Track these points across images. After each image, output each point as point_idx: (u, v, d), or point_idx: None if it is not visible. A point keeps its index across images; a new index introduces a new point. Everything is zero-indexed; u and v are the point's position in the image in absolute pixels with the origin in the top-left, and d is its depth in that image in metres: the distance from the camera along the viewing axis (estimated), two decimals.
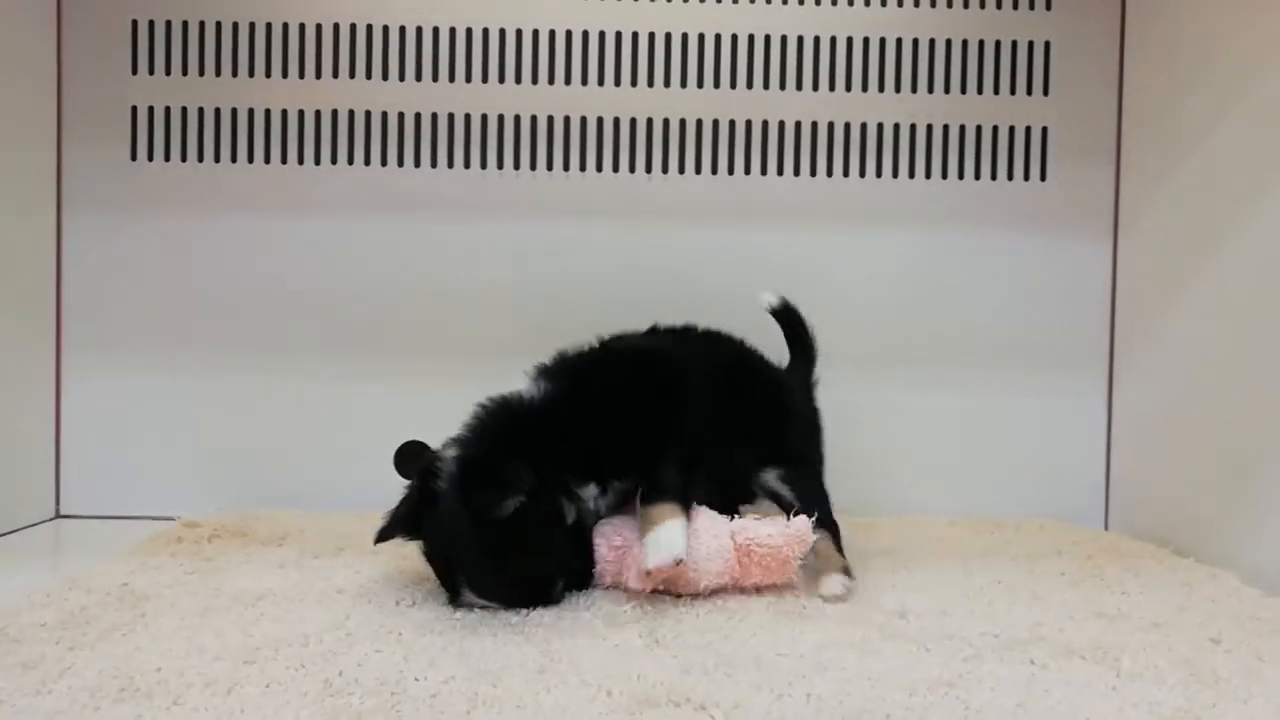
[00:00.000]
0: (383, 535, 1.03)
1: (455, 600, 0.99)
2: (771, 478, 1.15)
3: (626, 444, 1.04)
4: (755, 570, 1.02)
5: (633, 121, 1.50)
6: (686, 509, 1.02)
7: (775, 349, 1.30)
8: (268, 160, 1.49)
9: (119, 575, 1.07)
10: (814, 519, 1.05)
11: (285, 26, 1.48)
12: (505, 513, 0.93)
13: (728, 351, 1.23)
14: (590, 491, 1.03)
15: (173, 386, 1.49)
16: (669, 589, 1.02)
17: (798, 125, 1.51)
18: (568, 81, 1.50)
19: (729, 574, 1.02)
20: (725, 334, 1.25)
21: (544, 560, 0.99)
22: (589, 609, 0.98)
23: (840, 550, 1.11)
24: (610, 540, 1.03)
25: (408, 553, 1.20)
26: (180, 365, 1.49)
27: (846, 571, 1.07)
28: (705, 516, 1.04)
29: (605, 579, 1.04)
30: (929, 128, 1.50)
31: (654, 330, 1.24)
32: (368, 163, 1.50)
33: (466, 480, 0.96)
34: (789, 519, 1.03)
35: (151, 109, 1.48)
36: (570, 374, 1.10)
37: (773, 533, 1.02)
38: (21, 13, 1.40)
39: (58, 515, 1.48)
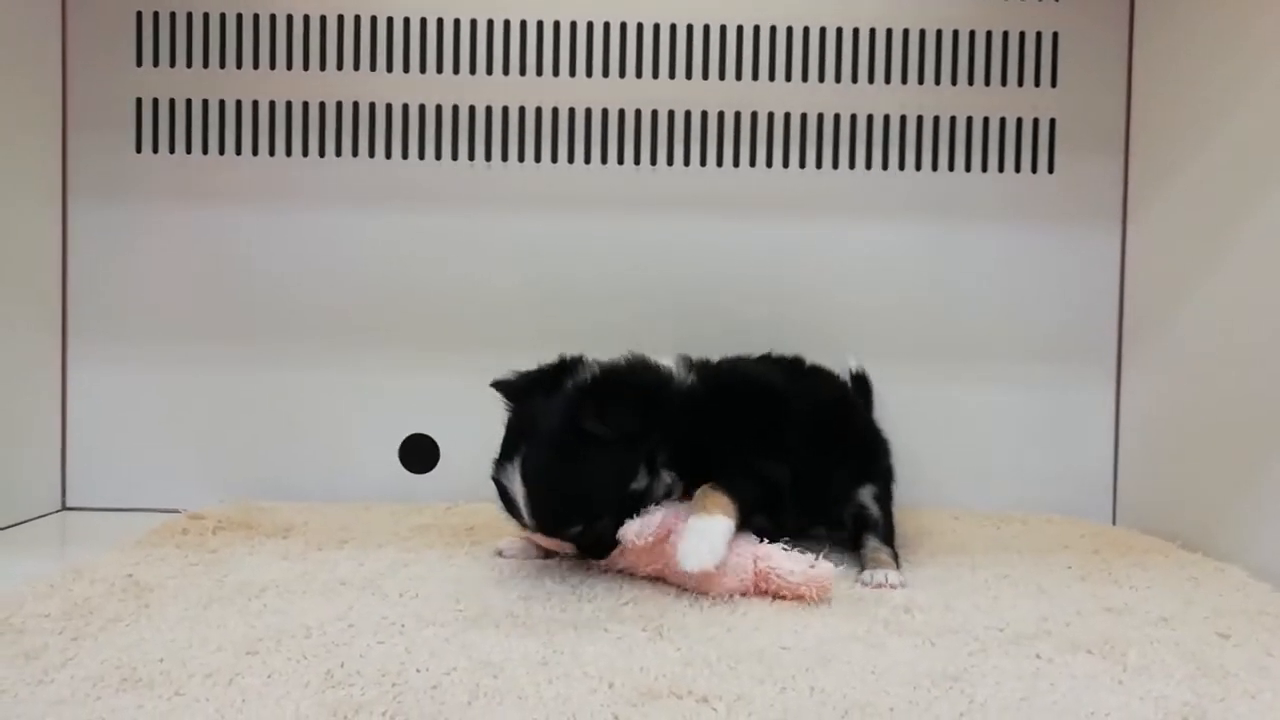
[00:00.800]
0: (498, 384, 1.10)
1: (497, 473, 1.04)
2: (867, 495, 1.22)
3: (725, 454, 1.07)
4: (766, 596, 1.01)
5: (638, 113, 1.49)
6: (742, 515, 1.01)
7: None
8: (272, 152, 1.49)
9: (123, 566, 1.07)
10: (881, 537, 1.17)
11: (289, 18, 1.48)
12: (594, 434, 0.99)
13: (828, 385, 1.32)
14: (667, 479, 1.06)
15: (178, 379, 1.49)
16: (674, 582, 1.02)
17: (803, 117, 1.50)
18: (572, 73, 1.49)
19: (739, 590, 1.00)
20: (824, 368, 1.33)
21: (586, 495, 1.02)
22: (591, 601, 0.98)
23: (898, 565, 1.13)
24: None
25: (412, 545, 1.21)
26: (186, 358, 1.49)
27: (899, 572, 1.10)
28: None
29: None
30: (936, 119, 1.49)
31: (767, 358, 1.29)
32: (372, 155, 1.49)
33: (592, 391, 1.03)
34: (816, 559, 1.00)
35: (156, 101, 1.48)
36: (710, 379, 1.14)
37: (794, 569, 0.99)
38: (27, 5, 1.40)
39: (63, 507, 1.48)
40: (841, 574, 1.10)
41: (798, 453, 1.13)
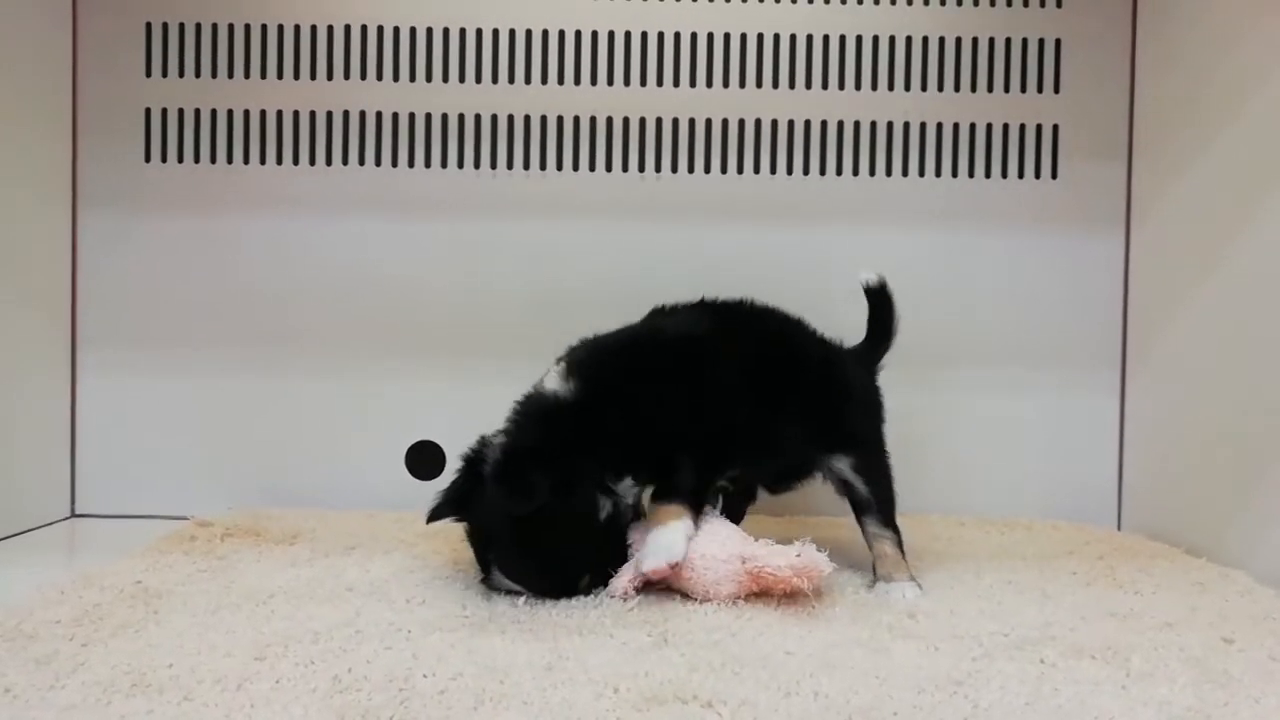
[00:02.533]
0: (433, 515, 1.06)
1: (486, 580, 1.05)
2: (844, 466, 1.13)
3: (654, 438, 1.04)
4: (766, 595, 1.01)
5: (642, 121, 1.50)
6: (695, 511, 1.03)
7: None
8: (279, 161, 1.50)
9: (133, 573, 1.08)
10: (881, 518, 1.11)
11: (297, 29, 1.49)
12: (529, 515, 0.97)
13: (775, 327, 1.20)
14: (627, 485, 1.04)
15: (186, 386, 1.50)
16: (681, 591, 1.03)
17: (806, 124, 1.50)
18: (576, 81, 1.50)
19: (739, 593, 1.00)
20: (776, 309, 1.22)
21: (570, 556, 1.02)
22: (597, 607, 0.98)
23: (903, 554, 1.11)
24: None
25: (418, 552, 1.21)
26: (194, 365, 1.50)
27: (914, 580, 1.08)
28: (715, 536, 1.03)
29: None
30: (939, 126, 1.50)
31: (701, 304, 1.21)
32: (378, 163, 1.50)
33: (500, 478, 1.00)
34: (801, 547, 0.99)
35: (165, 110, 1.49)
36: (599, 365, 1.10)
37: (782, 564, 0.98)
38: (39, 15, 1.42)
39: (73, 514, 1.49)
40: (847, 578, 1.10)
41: (732, 405, 1.08)
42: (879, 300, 1.28)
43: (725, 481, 1.15)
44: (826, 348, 1.21)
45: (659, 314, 1.21)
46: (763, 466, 1.18)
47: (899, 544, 1.12)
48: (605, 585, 1.03)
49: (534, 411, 1.07)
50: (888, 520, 1.13)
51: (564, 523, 1.00)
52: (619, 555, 1.04)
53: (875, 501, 1.13)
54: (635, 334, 1.17)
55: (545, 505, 0.97)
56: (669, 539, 1.00)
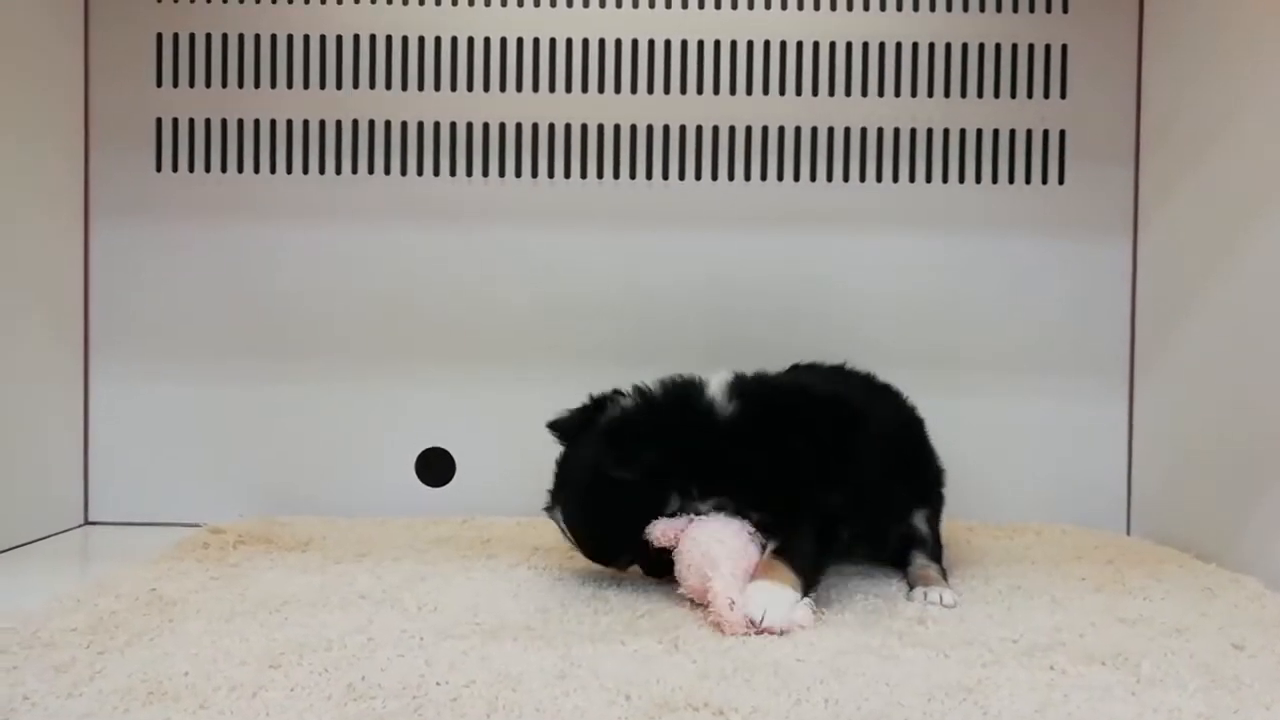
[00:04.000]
0: (552, 426, 1.14)
1: (549, 509, 1.11)
2: (919, 517, 1.20)
3: (788, 493, 1.05)
4: None
5: (649, 129, 1.51)
6: (807, 587, 1.00)
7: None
8: (290, 170, 1.51)
9: (147, 580, 1.09)
10: (932, 555, 1.16)
11: (306, 38, 1.50)
12: (616, 478, 1.04)
13: (899, 403, 1.26)
14: (708, 507, 1.06)
15: (198, 394, 1.51)
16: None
17: (814, 131, 1.51)
18: (584, 89, 1.51)
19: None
20: (893, 386, 1.28)
21: (618, 531, 1.08)
22: (608, 614, 0.99)
23: (946, 580, 1.13)
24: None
25: (430, 559, 1.22)
26: (205, 373, 1.51)
27: (951, 589, 1.09)
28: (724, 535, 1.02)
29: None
30: (946, 131, 1.50)
31: (840, 370, 1.27)
32: (388, 172, 1.51)
33: (612, 433, 1.07)
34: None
35: (176, 120, 1.51)
36: (758, 401, 1.10)
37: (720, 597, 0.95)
38: (51, 27, 1.43)
39: (86, 522, 1.50)
40: (856, 584, 1.11)
41: (867, 475, 1.10)
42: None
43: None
44: (911, 410, 1.28)
45: (808, 370, 1.26)
46: (870, 532, 1.18)
47: (944, 574, 1.14)
48: (659, 575, 1.08)
49: (681, 398, 1.10)
50: (937, 558, 1.17)
51: (635, 502, 1.05)
52: (667, 556, 1.05)
53: (932, 544, 1.18)
54: (807, 386, 1.19)
55: (631, 479, 1.03)
56: (778, 598, 0.95)
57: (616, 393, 1.13)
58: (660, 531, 1.05)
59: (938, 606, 1.03)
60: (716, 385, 1.11)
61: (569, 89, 1.51)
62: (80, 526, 1.49)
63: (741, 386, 1.10)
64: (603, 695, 0.77)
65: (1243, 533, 1.23)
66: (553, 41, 1.50)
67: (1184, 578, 1.17)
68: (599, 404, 1.13)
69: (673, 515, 1.05)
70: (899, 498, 1.19)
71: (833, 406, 1.14)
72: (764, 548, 1.02)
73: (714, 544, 1.01)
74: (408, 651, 0.86)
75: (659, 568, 1.08)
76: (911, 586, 1.10)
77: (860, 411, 1.15)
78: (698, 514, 1.05)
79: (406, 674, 0.81)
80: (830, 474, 1.08)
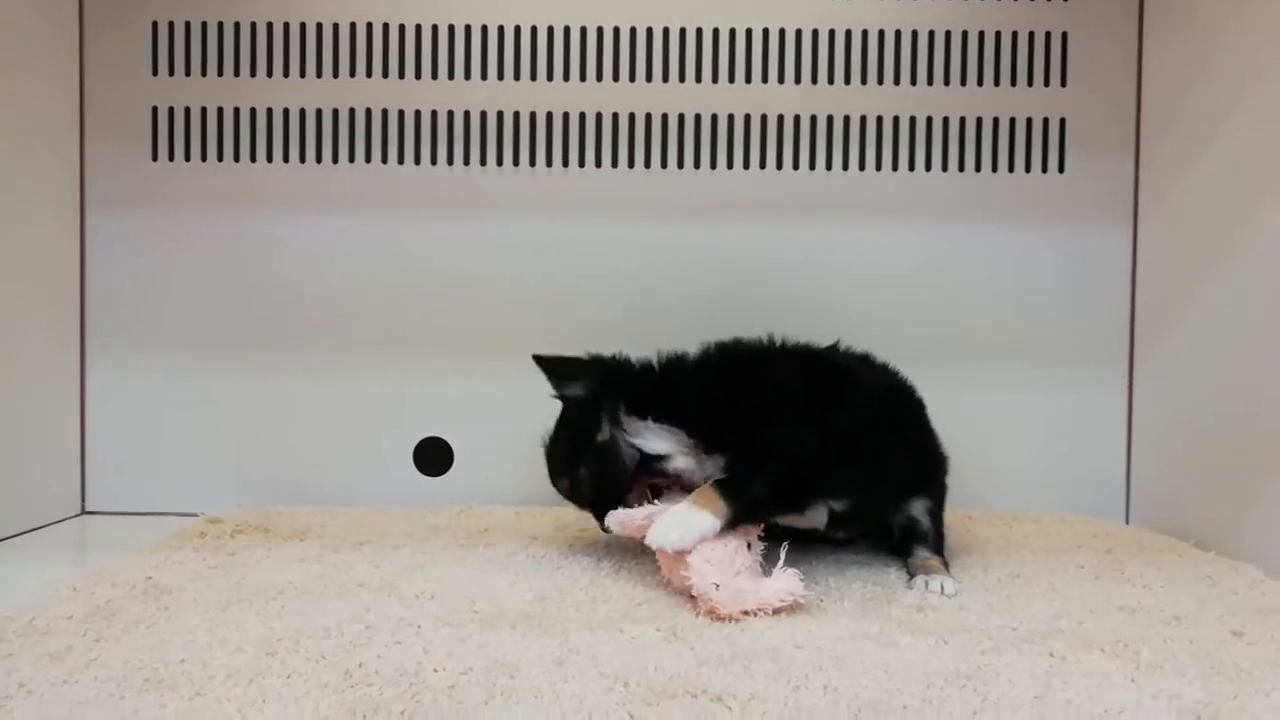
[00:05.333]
0: (537, 358, 1.21)
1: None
2: (919, 508, 1.18)
3: (747, 425, 1.06)
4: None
5: (648, 117, 1.50)
6: (739, 519, 0.99)
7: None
8: (286, 159, 1.50)
9: (144, 569, 1.08)
10: (934, 548, 1.15)
11: (303, 26, 1.49)
12: (565, 398, 1.17)
13: (898, 382, 1.25)
14: (645, 426, 1.10)
15: (194, 384, 1.51)
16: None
17: (812, 119, 1.50)
18: (582, 78, 1.50)
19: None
20: (895, 369, 1.27)
21: (558, 450, 1.17)
22: (606, 602, 0.98)
23: (947, 568, 1.13)
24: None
25: (427, 548, 1.22)
26: (202, 363, 1.51)
27: (952, 577, 1.09)
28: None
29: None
30: (945, 120, 1.50)
31: (834, 348, 1.26)
32: (384, 161, 1.51)
33: (555, 365, 1.19)
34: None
35: (172, 109, 1.50)
36: (728, 350, 1.18)
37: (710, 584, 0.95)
38: (45, 16, 1.42)
39: (83, 511, 1.50)
40: (855, 573, 1.11)
41: (849, 430, 1.08)
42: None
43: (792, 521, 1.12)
44: (909, 389, 1.27)
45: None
46: (849, 504, 1.13)
47: (945, 566, 1.13)
48: (598, 510, 1.12)
49: (662, 358, 1.18)
50: (939, 550, 1.16)
51: (571, 420, 1.17)
52: (608, 482, 1.11)
53: (934, 536, 1.17)
54: (786, 345, 1.20)
55: (567, 402, 1.17)
56: (683, 520, 0.97)
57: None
58: (619, 522, 1.06)
59: (937, 595, 1.03)
60: (698, 349, 1.18)
61: (566, 78, 1.50)
62: (77, 516, 1.48)
63: (719, 345, 1.18)
64: (601, 682, 0.77)
65: (1242, 521, 1.22)
66: (551, 30, 1.49)
67: (1183, 566, 1.17)
68: (597, 362, 1.20)
69: (603, 441, 1.11)
70: (894, 476, 1.16)
71: (807, 358, 1.17)
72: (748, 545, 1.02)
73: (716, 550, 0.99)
74: (405, 639, 0.86)
75: (598, 505, 1.13)
76: (912, 575, 1.10)
77: (842, 367, 1.17)
78: (626, 434, 1.10)
79: (404, 661, 0.81)
80: (800, 418, 1.07)
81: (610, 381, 1.14)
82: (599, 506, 1.12)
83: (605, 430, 1.12)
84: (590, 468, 1.13)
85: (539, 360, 1.20)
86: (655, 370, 1.16)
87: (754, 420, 1.07)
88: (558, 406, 1.20)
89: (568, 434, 1.17)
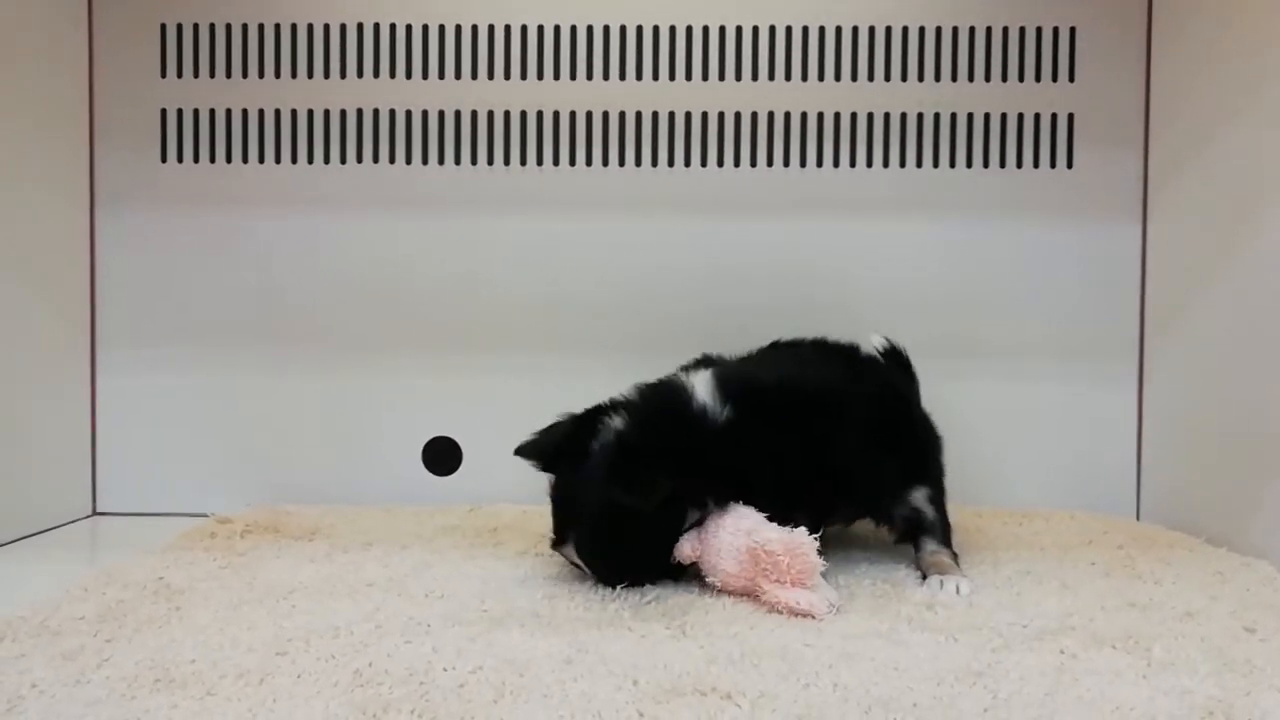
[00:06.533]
0: (521, 451, 1.08)
1: (556, 546, 1.06)
2: (921, 497, 1.17)
3: (783, 486, 1.05)
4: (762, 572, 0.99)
5: (654, 115, 1.50)
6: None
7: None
8: (294, 160, 1.51)
9: (155, 570, 1.09)
10: (941, 539, 1.15)
11: (309, 28, 1.50)
12: (630, 507, 0.99)
13: (882, 377, 1.25)
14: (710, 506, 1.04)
15: (205, 385, 1.51)
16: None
17: (819, 117, 1.50)
18: (589, 77, 1.50)
19: (740, 576, 0.99)
20: (878, 359, 1.28)
21: (646, 559, 1.04)
22: (614, 600, 0.98)
23: (958, 564, 1.13)
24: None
25: (436, 547, 1.22)
26: (212, 364, 1.51)
27: (966, 577, 1.08)
28: (738, 518, 1.02)
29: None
30: (953, 116, 1.49)
31: (821, 344, 1.26)
32: (392, 160, 1.51)
33: (615, 467, 1.01)
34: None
35: (180, 111, 1.50)
36: (749, 402, 1.07)
37: (774, 538, 0.97)
38: (54, 18, 1.43)
39: (95, 512, 1.51)
40: (864, 570, 1.10)
41: (849, 456, 1.11)
42: (896, 360, 1.33)
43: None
44: (910, 387, 1.28)
45: (783, 349, 1.26)
46: (859, 507, 1.19)
47: (955, 558, 1.13)
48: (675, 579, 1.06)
49: (670, 410, 1.06)
50: (947, 542, 1.16)
51: (657, 529, 1.02)
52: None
53: (939, 527, 1.16)
54: (786, 377, 1.17)
55: (648, 508, 0.99)
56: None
57: (594, 411, 1.07)
58: (690, 548, 1.03)
59: (953, 594, 1.03)
60: (701, 387, 1.07)
61: (573, 77, 1.50)
62: (88, 517, 1.49)
63: (726, 387, 1.07)
64: (610, 680, 0.77)
65: (1254, 517, 1.22)
66: (557, 29, 1.49)
67: (1195, 562, 1.16)
68: (581, 424, 1.06)
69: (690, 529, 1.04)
70: (888, 470, 1.15)
71: (810, 400, 1.13)
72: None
73: (759, 531, 0.99)
74: (415, 638, 0.86)
75: (679, 573, 1.06)
76: (925, 575, 1.09)
77: (837, 397, 1.15)
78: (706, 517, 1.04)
79: (413, 660, 0.81)
80: (812, 465, 1.08)
81: (682, 474, 1.01)
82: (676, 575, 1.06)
83: (692, 518, 1.03)
84: (671, 565, 1.04)
85: (525, 451, 1.08)
86: (703, 448, 1.04)
87: (785, 478, 1.06)
88: (562, 405, 1.16)
89: (643, 547, 1.03)
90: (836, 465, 1.10)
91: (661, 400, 1.08)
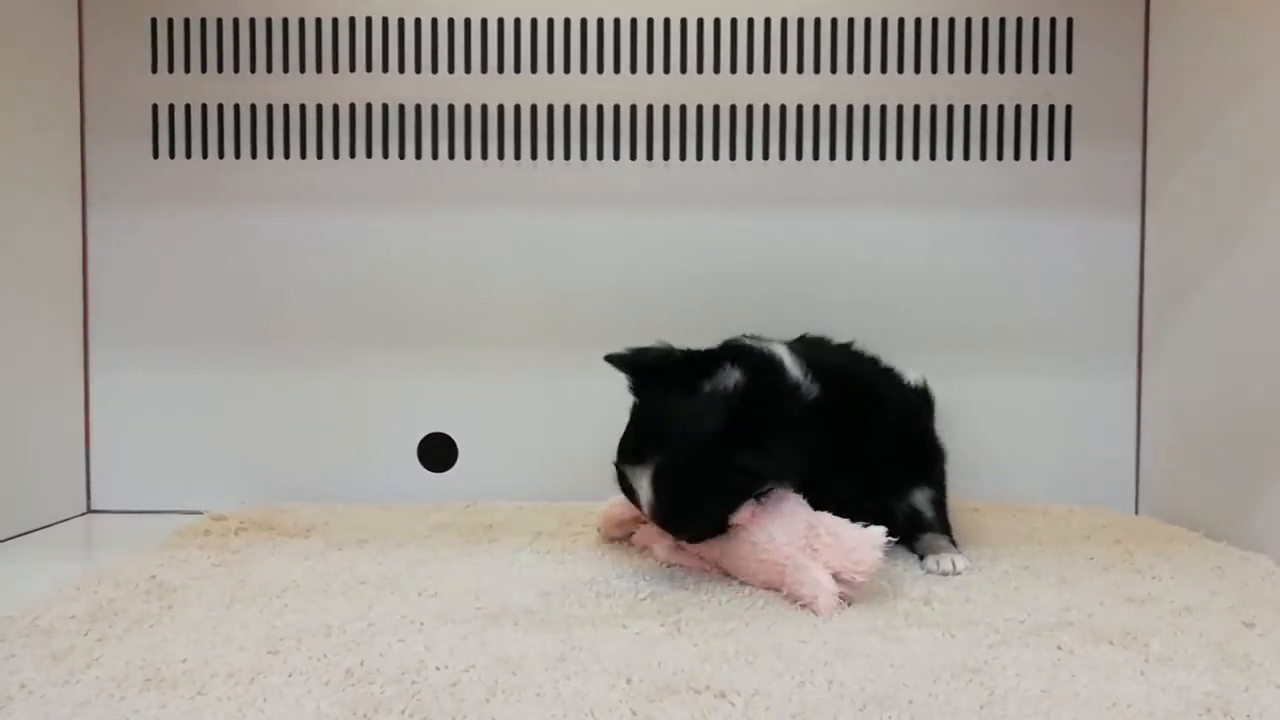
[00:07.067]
0: (614, 359, 1.07)
1: (625, 464, 1.02)
2: (924, 498, 1.19)
3: (834, 469, 1.07)
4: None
5: (649, 109, 1.49)
6: None
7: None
8: (288, 155, 1.50)
9: (148, 568, 1.08)
10: (940, 531, 1.17)
11: (302, 22, 1.49)
12: (745, 466, 0.98)
13: (901, 386, 1.26)
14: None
15: (199, 382, 1.50)
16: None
17: (815, 109, 1.49)
18: (583, 70, 1.49)
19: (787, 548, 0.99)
20: (895, 369, 1.28)
21: (713, 512, 1.01)
22: (609, 597, 0.98)
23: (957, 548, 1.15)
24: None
25: (432, 544, 1.21)
26: (206, 361, 1.50)
27: (962, 554, 1.11)
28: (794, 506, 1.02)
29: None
30: (950, 108, 1.48)
31: (846, 349, 1.26)
32: (386, 155, 1.50)
33: (740, 421, 0.99)
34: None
35: (172, 106, 1.49)
36: (828, 384, 1.07)
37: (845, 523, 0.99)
38: (44, 13, 1.42)
39: (89, 510, 1.50)
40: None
41: (879, 453, 1.13)
42: (923, 397, 1.32)
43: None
44: (914, 393, 1.29)
45: (815, 342, 1.25)
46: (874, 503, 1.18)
47: (953, 544, 1.16)
48: (689, 540, 1.05)
49: (780, 378, 1.05)
50: (946, 533, 1.18)
51: (739, 489, 1.00)
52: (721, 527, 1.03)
53: (939, 525, 1.19)
54: (848, 367, 1.20)
55: (758, 468, 0.99)
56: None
57: (701, 354, 1.07)
58: (750, 511, 1.01)
59: (951, 575, 1.06)
60: (789, 362, 1.07)
61: (567, 70, 1.49)
62: (82, 515, 1.48)
63: (811, 365, 1.08)
64: (603, 679, 0.76)
65: (1253, 511, 1.21)
66: (550, 22, 1.48)
67: (1193, 556, 1.16)
68: (695, 359, 1.06)
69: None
70: (898, 471, 1.19)
71: (873, 395, 1.17)
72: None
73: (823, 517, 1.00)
74: (408, 636, 0.86)
75: (709, 534, 1.04)
76: (922, 557, 1.12)
77: (886, 399, 1.19)
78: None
79: (405, 659, 0.80)
80: (854, 456, 1.10)
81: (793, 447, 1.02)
82: (697, 538, 1.05)
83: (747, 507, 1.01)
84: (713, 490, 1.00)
85: (618, 360, 1.07)
86: (803, 426, 1.04)
87: (861, 467, 1.10)
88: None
89: (730, 500, 1.00)
90: (869, 460, 1.13)
91: (770, 367, 1.07)
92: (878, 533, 0.97)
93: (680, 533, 1.05)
